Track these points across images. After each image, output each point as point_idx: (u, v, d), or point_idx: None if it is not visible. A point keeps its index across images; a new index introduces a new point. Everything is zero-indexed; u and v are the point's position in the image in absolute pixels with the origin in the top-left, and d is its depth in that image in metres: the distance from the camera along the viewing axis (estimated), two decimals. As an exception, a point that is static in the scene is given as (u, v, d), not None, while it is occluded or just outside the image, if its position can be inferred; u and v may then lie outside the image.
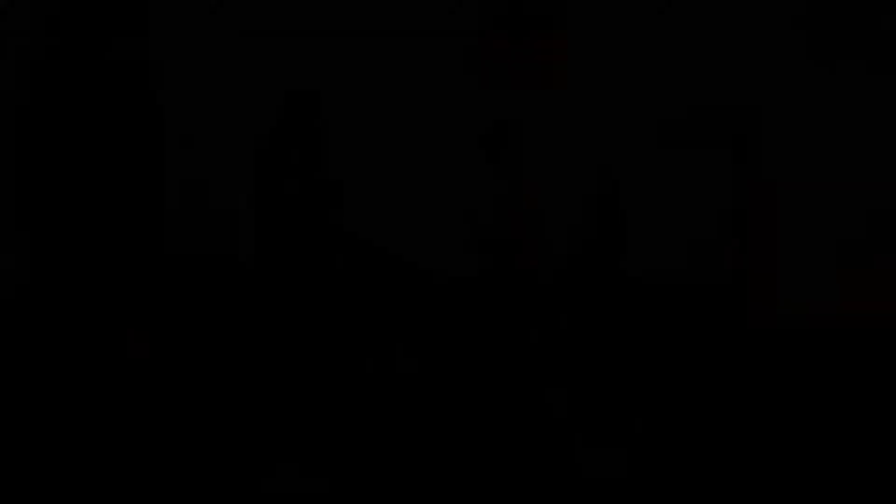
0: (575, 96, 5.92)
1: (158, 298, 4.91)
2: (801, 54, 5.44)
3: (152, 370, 4.94)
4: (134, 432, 4.92)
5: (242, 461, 5.09)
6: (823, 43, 5.41)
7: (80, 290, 4.73)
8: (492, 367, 5.75)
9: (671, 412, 5.60)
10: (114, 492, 4.81)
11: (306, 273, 5.78)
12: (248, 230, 5.91)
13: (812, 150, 5.47)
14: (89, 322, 4.77)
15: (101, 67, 4.53)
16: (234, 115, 6.02)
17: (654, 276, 6.21)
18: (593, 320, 5.81)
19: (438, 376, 5.77)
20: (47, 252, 4.74)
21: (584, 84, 5.65)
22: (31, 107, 4.58)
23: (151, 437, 4.95)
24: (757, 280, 5.40)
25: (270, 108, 5.75)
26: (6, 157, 4.75)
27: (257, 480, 4.99)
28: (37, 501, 4.75)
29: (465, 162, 5.99)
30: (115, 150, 4.67)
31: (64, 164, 4.68)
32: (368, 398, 5.71)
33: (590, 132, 6.00)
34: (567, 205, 6.04)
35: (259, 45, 5.16)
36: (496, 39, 5.37)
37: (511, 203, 5.83)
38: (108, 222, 4.76)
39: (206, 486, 4.97)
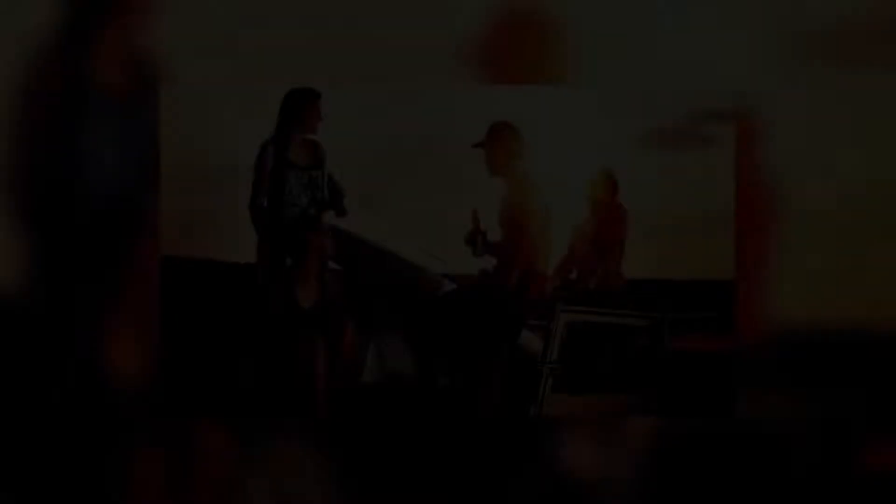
0: (575, 96, 5.93)
1: (157, 301, 4.91)
2: (800, 55, 5.46)
3: (150, 373, 4.94)
4: (132, 434, 4.92)
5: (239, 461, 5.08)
6: (823, 44, 5.42)
7: (76, 291, 4.73)
8: (489, 367, 5.76)
9: (669, 411, 5.61)
10: (111, 491, 4.81)
11: (306, 273, 5.78)
12: (248, 233, 5.91)
13: (812, 150, 5.48)
14: (85, 324, 4.77)
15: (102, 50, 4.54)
16: (233, 114, 6.04)
17: (653, 275, 6.21)
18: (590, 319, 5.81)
19: (435, 375, 5.77)
20: (44, 252, 4.74)
21: (585, 84, 5.66)
22: (29, 93, 4.58)
23: (150, 437, 4.96)
24: (756, 279, 5.40)
25: (271, 106, 5.77)
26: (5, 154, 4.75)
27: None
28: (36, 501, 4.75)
29: (464, 162, 6.00)
30: (112, 148, 4.67)
31: (61, 158, 4.68)
32: (367, 396, 5.71)
33: (589, 132, 6.01)
34: (567, 204, 6.05)
35: (260, 42, 5.16)
36: (495, 38, 5.38)
37: (511, 203, 5.83)
38: (106, 222, 4.76)
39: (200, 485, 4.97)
